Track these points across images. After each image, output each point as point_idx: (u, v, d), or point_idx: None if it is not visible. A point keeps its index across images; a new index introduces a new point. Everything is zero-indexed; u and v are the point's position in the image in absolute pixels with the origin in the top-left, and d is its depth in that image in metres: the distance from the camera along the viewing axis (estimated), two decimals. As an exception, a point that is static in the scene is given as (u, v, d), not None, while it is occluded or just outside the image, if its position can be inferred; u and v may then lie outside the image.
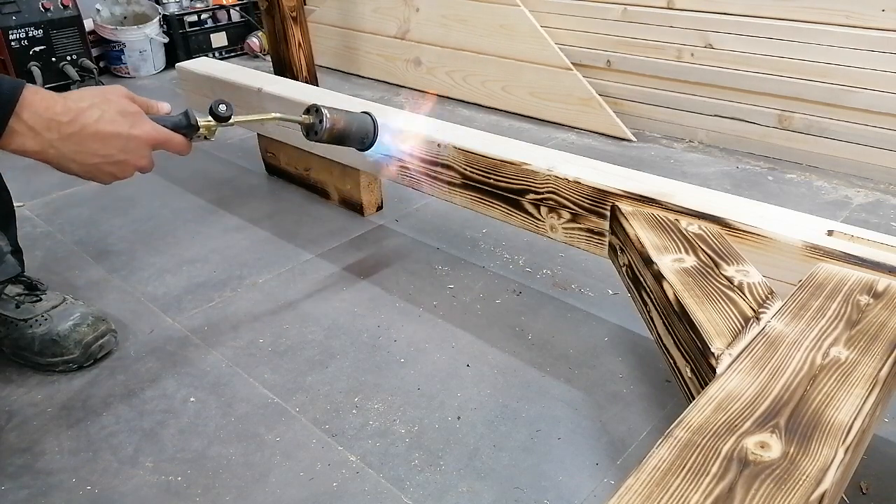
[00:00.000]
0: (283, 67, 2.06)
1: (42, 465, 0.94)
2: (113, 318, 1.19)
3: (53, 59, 2.30)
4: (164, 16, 2.77)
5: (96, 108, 0.79)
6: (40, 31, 2.27)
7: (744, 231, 0.86)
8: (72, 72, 2.33)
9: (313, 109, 1.04)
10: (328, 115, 1.03)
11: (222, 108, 0.90)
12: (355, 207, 1.58)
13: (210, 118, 0.91)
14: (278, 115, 1.04)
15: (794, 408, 0.56)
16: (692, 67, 1.86)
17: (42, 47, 2.28)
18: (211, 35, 2.89)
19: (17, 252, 1.19)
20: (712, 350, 0.66)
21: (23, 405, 1.05)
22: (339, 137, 1.07)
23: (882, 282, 0.74)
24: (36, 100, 0.76)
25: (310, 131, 1.04)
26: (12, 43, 2.22)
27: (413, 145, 1.22)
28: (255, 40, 2.91)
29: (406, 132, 1.21)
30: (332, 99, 1.44)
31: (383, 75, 2.57)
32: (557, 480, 0.89)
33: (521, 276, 1.33)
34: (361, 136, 1.09)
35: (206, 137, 0.93)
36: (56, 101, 0.78)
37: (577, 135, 2.03)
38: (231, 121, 0.93)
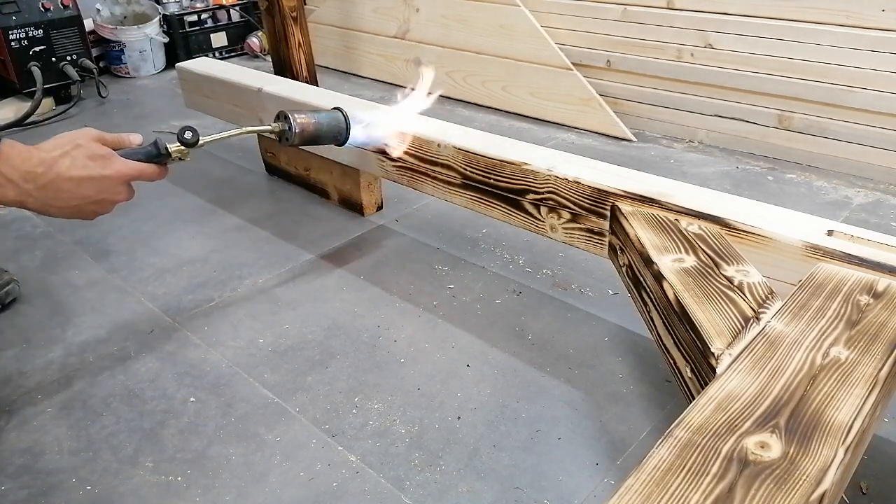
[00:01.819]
0: (283, 67, 2.06)
1: (42, 465, 0.94)
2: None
3: (53, 59, 2.30)
4: (164, 16, 2.77)
5: (67, 156, 0.85)
6: (40, 31, 2.26)
7: (744, 231, 0.86)
8: (72, 72, 2.32)
9: (282, 116, 1.09)
10: (297, 120, 1.09)
11: (188, 134, 0.96)
12: (355, 207, 1.58)
13: (179, 144, 0.97)
14: (248, 128, 1.10)
15: (794, 408, 0.56)
16: (692, 67, 1.86)
17: (42, 47, 2.27)
18: (211, 35, 2.89)
19: None
20: (712, 350, 0.66)
21: (23, 405, 1.05)
22: (312, 138, 1.13)
23: (882, 282, 0.74)
24: (13, 153, 0.81)
25: (281, 137, 1.10)
26: (12, 43, 2.22)
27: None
28: (255, 40, 2.91)
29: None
30: (331, 99, 1.44)
31: (383, 75, 2.56)
32: (557, 480, 0.89)
33: (521, 276, 1.33)
34: (334, 133, 1.14)
35: (181, 159, 0.98)
36: (31, 153, 0.83)
37: (577, 135, 2.03)
38: (200, 142, 0.98)
